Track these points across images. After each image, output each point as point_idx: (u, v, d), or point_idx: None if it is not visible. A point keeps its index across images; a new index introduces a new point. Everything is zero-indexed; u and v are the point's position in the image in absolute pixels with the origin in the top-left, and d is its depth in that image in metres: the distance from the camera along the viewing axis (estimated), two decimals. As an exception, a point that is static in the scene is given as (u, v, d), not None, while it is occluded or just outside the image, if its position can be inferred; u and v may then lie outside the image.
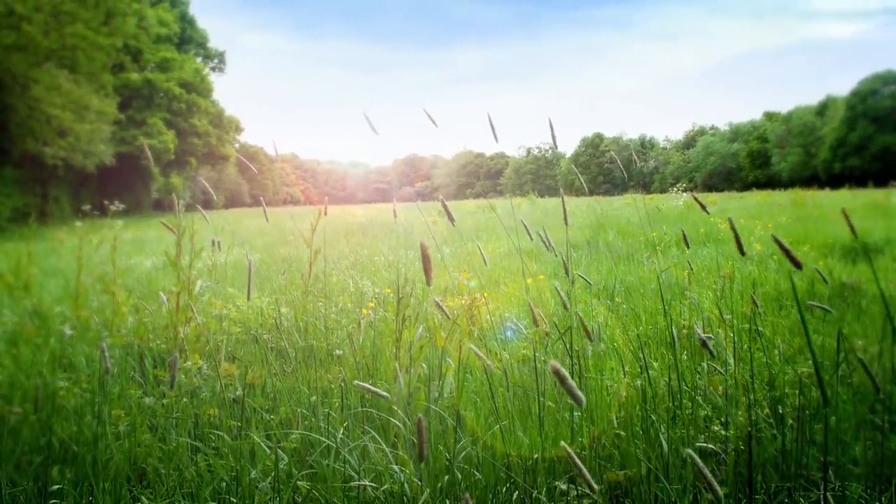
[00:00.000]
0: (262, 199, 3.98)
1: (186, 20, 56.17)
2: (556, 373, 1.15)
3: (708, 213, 3.46)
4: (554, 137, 3.12)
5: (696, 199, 3.40)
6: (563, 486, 2.46)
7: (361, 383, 1.90)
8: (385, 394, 1.81)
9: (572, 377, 3.06)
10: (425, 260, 1.81)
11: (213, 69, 60.01)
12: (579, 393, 1.17)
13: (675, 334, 2.98)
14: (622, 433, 2.74)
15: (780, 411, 2.79)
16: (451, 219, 2.76)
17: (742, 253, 2.39)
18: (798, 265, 2.02)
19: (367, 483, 2.40)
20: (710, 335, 3.63)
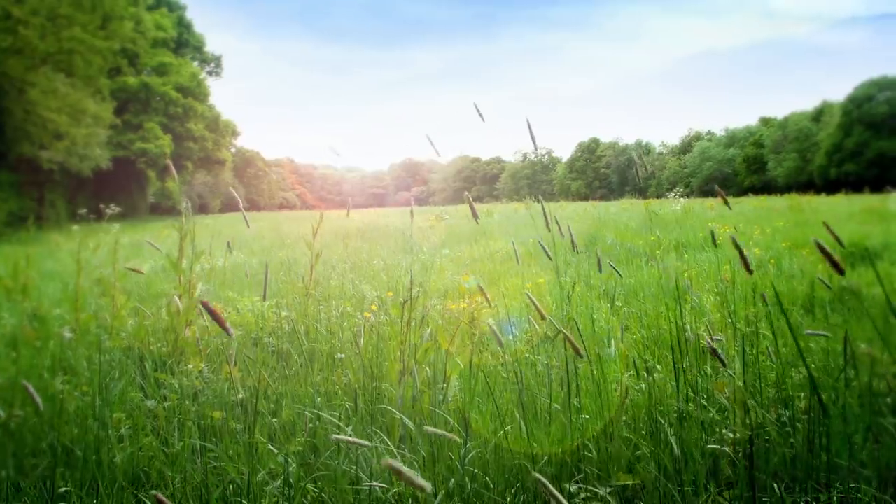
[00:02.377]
0: (241, 205, 3.96)
1: (184, 24, 56.14)
2: (391, 467, 1.15)
3: (734, 236, 3.45)
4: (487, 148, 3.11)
5: (721, 195, 3.38)
6: (573, 489, 2.45)
7: (339, 436, 1.87)
8: (365, 442, 1.79)
9: (573, 379, 3.05)
10: (213, 314, 1.78)
11: (209, 73, 59.98)
12: (421, 482, 1.18)
13: (689, 336, 2.98)
14: (630, 436, 2.74)
15: (788, 414, 2.78)
16: (475, 216, 2.76)
17: (749, 272, 2.36)
18: (841, 271, 2.01)
19: (378, 484, 2.39)
20: (720, 336, 3.63)
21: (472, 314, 4.60)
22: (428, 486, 1.14)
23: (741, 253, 2.08)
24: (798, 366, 3.33)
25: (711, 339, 3.56)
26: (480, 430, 2.82)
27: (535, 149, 3.13)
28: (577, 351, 2.55)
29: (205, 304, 1.75)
